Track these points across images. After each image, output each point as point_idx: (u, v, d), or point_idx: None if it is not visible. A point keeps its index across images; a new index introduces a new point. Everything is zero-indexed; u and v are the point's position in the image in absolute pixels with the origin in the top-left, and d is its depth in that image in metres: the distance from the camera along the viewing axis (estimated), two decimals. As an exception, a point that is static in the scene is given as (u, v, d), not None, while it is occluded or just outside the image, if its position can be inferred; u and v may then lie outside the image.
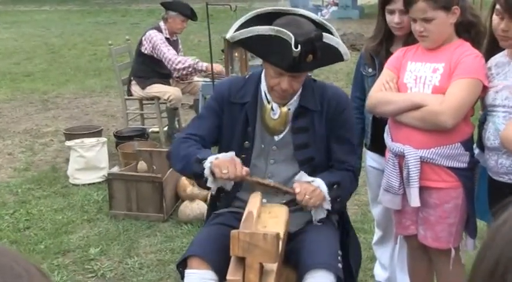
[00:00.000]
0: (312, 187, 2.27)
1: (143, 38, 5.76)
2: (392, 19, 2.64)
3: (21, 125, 6.88)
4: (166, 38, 5.77)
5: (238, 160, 2.25)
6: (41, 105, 7.78)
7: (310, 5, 16.68)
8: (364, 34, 11.14)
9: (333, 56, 2.29)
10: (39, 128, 6.75)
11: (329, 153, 2.46)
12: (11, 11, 19.77)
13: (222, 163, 2.21)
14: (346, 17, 15.48)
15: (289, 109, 2.39)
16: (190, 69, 5.69)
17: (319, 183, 2.29)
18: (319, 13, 15.72)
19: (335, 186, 2.33)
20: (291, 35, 2.13)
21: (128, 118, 6.11)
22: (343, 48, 2.28)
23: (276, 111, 2.37)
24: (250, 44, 2.31)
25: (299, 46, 2.12)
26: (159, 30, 5.79)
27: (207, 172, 2.24)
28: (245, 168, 2.25)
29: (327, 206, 2.32)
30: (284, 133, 2.43)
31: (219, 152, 2.48)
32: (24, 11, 19.64)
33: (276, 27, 2.19)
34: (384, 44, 2.77)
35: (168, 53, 5.64)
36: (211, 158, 2.24)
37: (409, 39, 2.62)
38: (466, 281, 0.59)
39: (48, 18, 17.76)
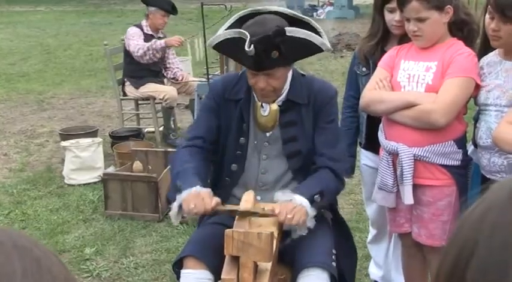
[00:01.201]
0: (292, 205, 2.19)
1: (125, 37, 5.78)
2: (393, 17, 2.65)
3: (16, 125, 6.87)
4: (149, 34, 5.74)
5: (206, 194, 2.18)
6: (37, 105, 7.77)
7: (305, 5, 16.70)
8: (359, 34, 11.15)
9: (307, 47, 2.27)
10: (34, 128, 6.74)
11: None
12: (5, 11, 19.72)
13: (190, 198, 2.16)
14: (341, 17, 15.49)
15: (279, 106, 2.41)
16: (150, 52, 5.60)
17: (300, 201, 2.21)
18: (314, 13, 15.74)
19: (316, 197, 2.25)
20: (247, 34, 2.16)
21: (123, 118, 6.10)
22: (316, 39, 2.25)
23: (265, 108, 2.39)
24: (223, 48, 2.38)
25: (251, 45, 2.13)
26: (140, 27, 5.78)
27: (176, 204, 2.20)
28: (215, 199, 2.17)
29: (310, 223, 2.22)
30: (274, 129, 2.44)
31: (218, 149, 2.49)
32: (19, 12, 19.59)
33: (238, 29, 2.23)
34: (380, 43, 2.78)
35: (131, 46, 5.61)
36: (186, 191, 2.19)
37: (404, 38, 2.63)
38: (436, 268, 0.60)
39: (44, 18, 17.72)
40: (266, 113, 2.39)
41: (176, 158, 2.43)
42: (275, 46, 2.17)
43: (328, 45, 2.31)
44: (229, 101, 2.45)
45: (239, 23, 2.32)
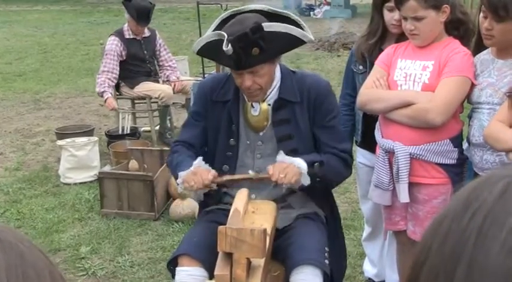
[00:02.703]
0: (285, 164, 2.25)
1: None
2: (393, 16, 2.65)
3: (12, 124, 6.86)
4: (132, 39, 5.60)
5: (202, 170, 2.28)
6: (33, 105, 7.75)
7: (302, 4, 16.70)
8: (356, 33, 11.16)
9: (289, 41, 2.27)
10: (30, 127, 6.73)
11: (314, 144, 2.45)
12: (2, 10, 19.66)
13: (187, 177, 2.28)
14: (338, 16, 15.49)
15: (269, 105, 2.40)
16: (99, 94, 5.61)
17: (295, 160, 2.27)
18: (311, 12, 15.74)
19: (316, 164, 2.31)
20: (225, 35, 2.16)
21: (119, 117, 6.08)
22: (297, 31, 2.25)
23: (256, 108, 2.39)
24: (206, 53, 2.40)
25: (229, 45, 2.13)
26: (121, 33, 5.62)
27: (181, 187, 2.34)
28: (212, 172, 2.28)
29: (305, 180, 2.28)
30: (267, 128, 2.43)
31: (207, 151, 2.50)
32: (17, 11, 19.54)
33: (216, 31, 2.25)
34: (379, 42, 2.77)
35: (100, 69, 5.52)
36: (183, 173, 2.31)
37: (402, 37, 2.63)
38: None
39: (41, 18, 17.67)
40: (257, 113, 2.39)
41: (170, 159, 2.50)
42: (254, 43, 2.17)
43: (311, 36, 2.31)
44: (216, 103, 2.46)
45: (222, 25, 2.33)
